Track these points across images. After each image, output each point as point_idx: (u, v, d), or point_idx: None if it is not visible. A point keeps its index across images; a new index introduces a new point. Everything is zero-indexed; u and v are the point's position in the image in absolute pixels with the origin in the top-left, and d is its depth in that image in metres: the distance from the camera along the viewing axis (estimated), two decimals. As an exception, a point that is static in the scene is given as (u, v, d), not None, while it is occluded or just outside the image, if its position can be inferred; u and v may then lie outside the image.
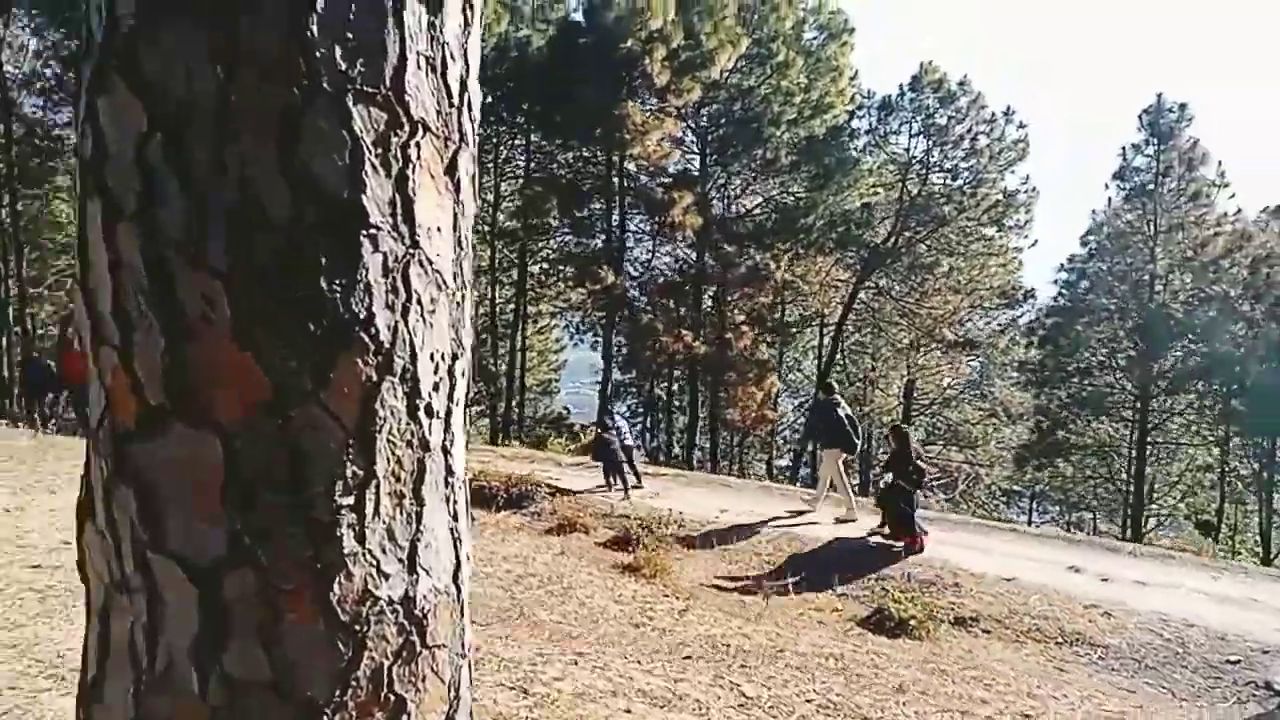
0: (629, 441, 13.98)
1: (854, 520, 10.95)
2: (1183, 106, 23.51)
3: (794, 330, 29.37)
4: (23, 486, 6.06)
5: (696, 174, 24.10)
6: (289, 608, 1.03)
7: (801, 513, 11.83)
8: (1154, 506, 34.11)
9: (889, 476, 10.32)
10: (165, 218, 0.95)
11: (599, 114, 22.86)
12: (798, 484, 26.26)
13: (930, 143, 27.23)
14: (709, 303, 26.28)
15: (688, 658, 3.84)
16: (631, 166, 24.58)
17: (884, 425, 35.91)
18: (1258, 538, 32.64)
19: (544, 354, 37.27)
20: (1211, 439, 29.03)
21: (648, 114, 22.33)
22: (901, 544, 9.63)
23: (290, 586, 1.02)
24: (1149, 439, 25.83)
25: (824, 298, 29.09)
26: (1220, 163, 23.19)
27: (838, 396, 11.89)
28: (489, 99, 26.67)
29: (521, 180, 26.77)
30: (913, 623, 6.73)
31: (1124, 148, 24.30)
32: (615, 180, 24.50)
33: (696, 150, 24.45)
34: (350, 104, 0.99)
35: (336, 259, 1.00)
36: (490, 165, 26.61)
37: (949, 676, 4.59)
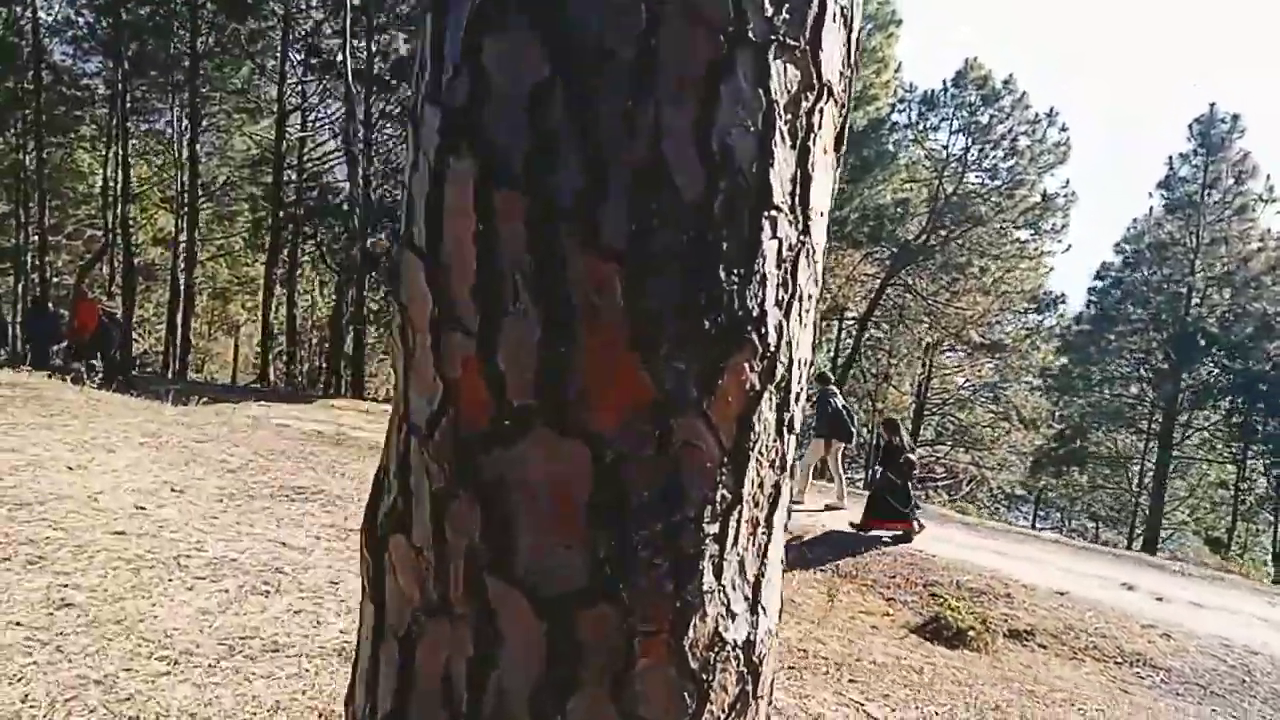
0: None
1: (844, 509, 10.77)
2: (1235, 118, 23.02)
3: (824, 323, 29.05)
4: (81, 443, 5.95)
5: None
6: (643, 652, 0.87)
7: (831, 507, 11.62)
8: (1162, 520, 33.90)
9: (878, 468, 10.41)
10: (558, 184, 0.78)
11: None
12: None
13: (970, 141, 26.79)
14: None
15: (791, 668, 3.70)
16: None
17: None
18: (1268, 556, 32.37)
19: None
20: (1226, 455, 28.74)
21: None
22: (890, 534, 9.69)
23: (649, 628, 0.87)
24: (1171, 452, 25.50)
25: (848, 291, 28.79)
26: (1269, 176, 22.75)
27: (833, 388, 11.73)
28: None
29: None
30: (971, 634, 6.55)
31: (1171, 157, 23.87)
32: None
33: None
34: (770, 59, 0.82)
35: (738, 244, 0.83)
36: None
37: (1038, 699, 4.44)
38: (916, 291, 27.59)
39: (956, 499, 37.24)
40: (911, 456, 10.36)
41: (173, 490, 5.24)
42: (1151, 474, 28.08)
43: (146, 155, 33.46)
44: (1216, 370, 22.94)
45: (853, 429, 11.15)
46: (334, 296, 36.06)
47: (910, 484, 9.92)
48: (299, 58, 29.26)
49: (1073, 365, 27.48)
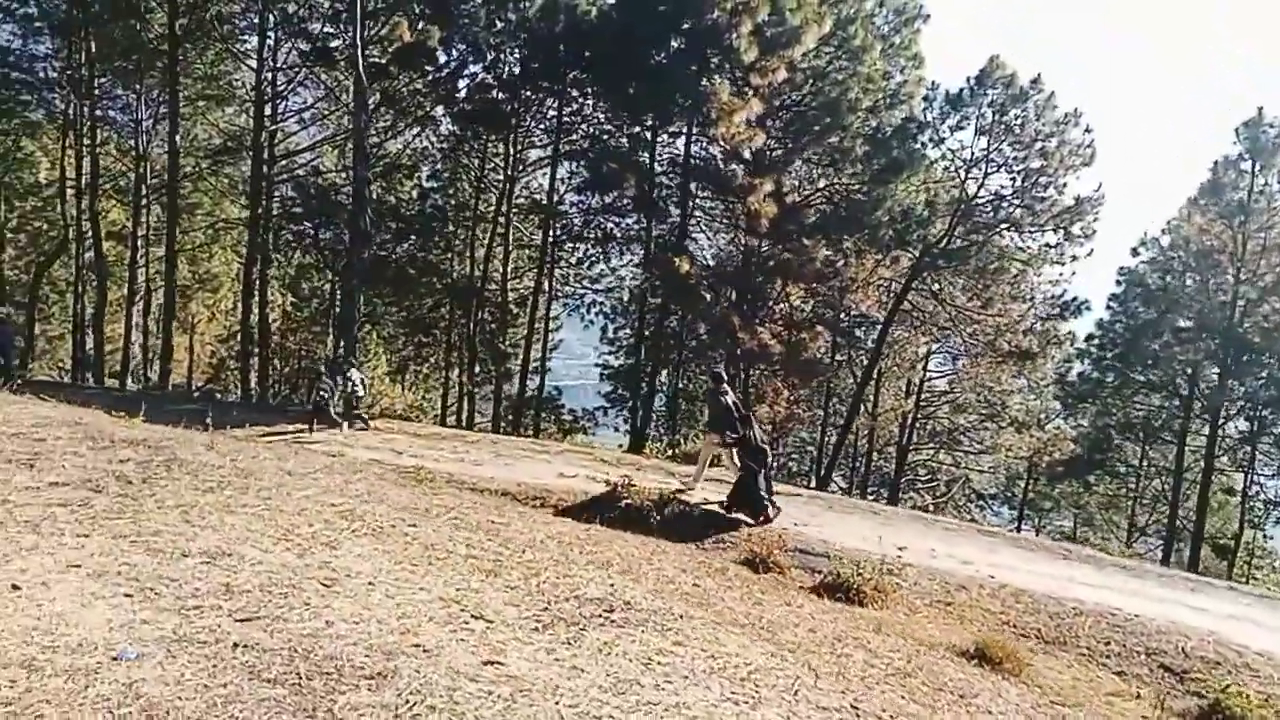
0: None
1: (691, 490, 12.02)
2: None
3: (858, 329, 28.17)
4: (285, 534, 4.47)
5: (777, 159, 22.58)
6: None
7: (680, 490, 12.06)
8: (1151, 525, 34.13)
9: (736, 458, 11.64)
10: None
11: (678, 89, 21.28)
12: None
13: (996, 141, 26.16)
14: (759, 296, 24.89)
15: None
16: (703, 148, 23.11)
17: (888, 424, 35.44)
18: (1276, 564, 32.72)
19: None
20: (1232, 464, 28.85)
21: (733, 93, 20.74)
22: (752, 519, 10.95)
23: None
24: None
25: (866, 295, 27.92)
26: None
27: (725, 386, 12.36)
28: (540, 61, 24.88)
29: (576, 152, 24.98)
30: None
31: (1215, 162, 23.55)
32: (683, 160, 22.93)
33: (779, 135, 22.92)
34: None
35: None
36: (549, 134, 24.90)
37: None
38: (942, 300, 26.88)
39: (943, 500, 37.15)
40: (765, 448, 11.82)
41: (479, 620, 3.84)
42: (1170, 481, 28.01)
43: (104, 145, 30.68)
44: (1265, 381, 22.64)
45: (738, 427, 11.79)
46: (324, 299, 34.00)
47: (766, 472, 11.41)
48: (282, 42, 27.23)
49: (1103, 372, 27.11)
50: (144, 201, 28.77)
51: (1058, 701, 6.30)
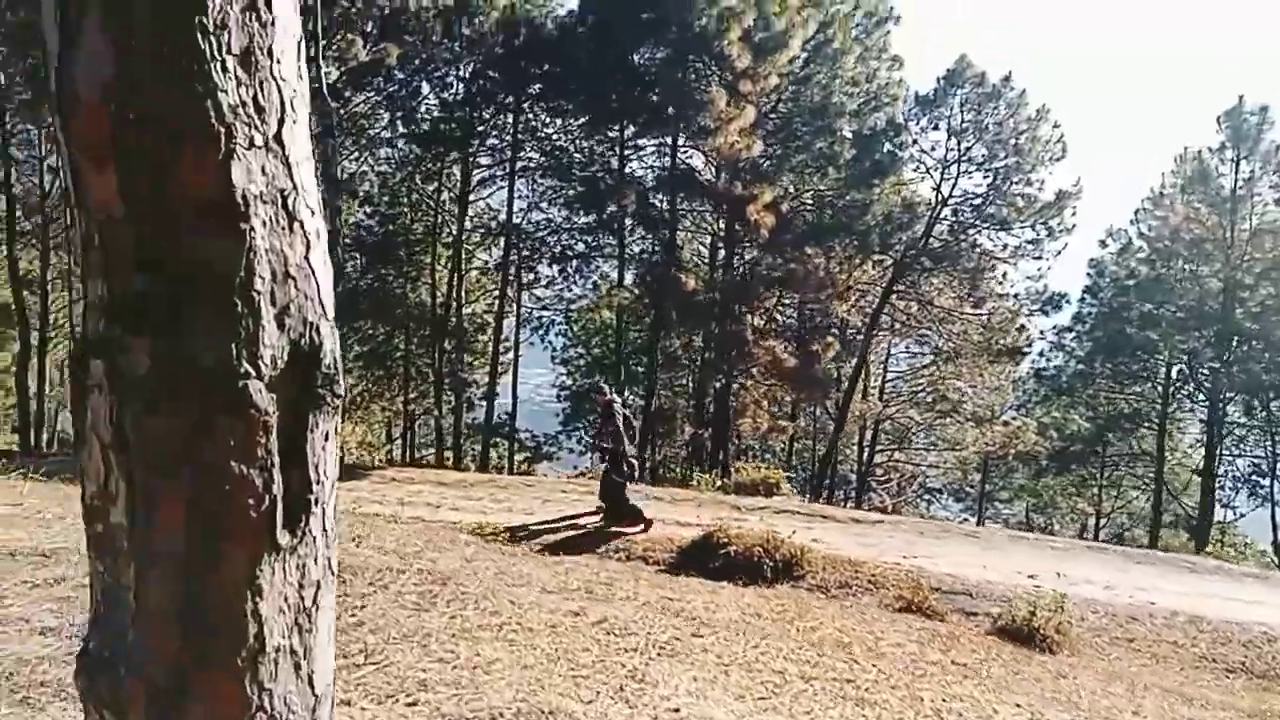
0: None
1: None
2: (1264, 109, 23.40)
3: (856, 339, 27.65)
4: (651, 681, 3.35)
5: (769, 168, 21.86)
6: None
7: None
8: (1110, 504, 34.97)
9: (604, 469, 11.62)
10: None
11: (666, 99, 20.39)
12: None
13: (970, 141, 26.15)
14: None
15: None
16: (687, 158, 22.26)
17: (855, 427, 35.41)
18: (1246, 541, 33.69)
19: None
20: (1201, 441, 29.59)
21: (728, 101, 19.96)
22: (637, 527, 10.90)
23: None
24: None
25: (851, 301, 27.53)
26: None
27: (615, 396, 12.18)
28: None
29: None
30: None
31: (1200, 151, 23.96)
32: (669, 172, 22.02)
33: (770, 142, 22.21)
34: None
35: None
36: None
37: None
38: (927, 301, 26.70)
39: (900, 500, 37.22)
40: (633, 460, 11.84)
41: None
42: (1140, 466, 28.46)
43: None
44: (1264, 366, 23.03)
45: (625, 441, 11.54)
46: None
47: (629, 481, 11.36)
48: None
49: (1088, 363, 27.34)
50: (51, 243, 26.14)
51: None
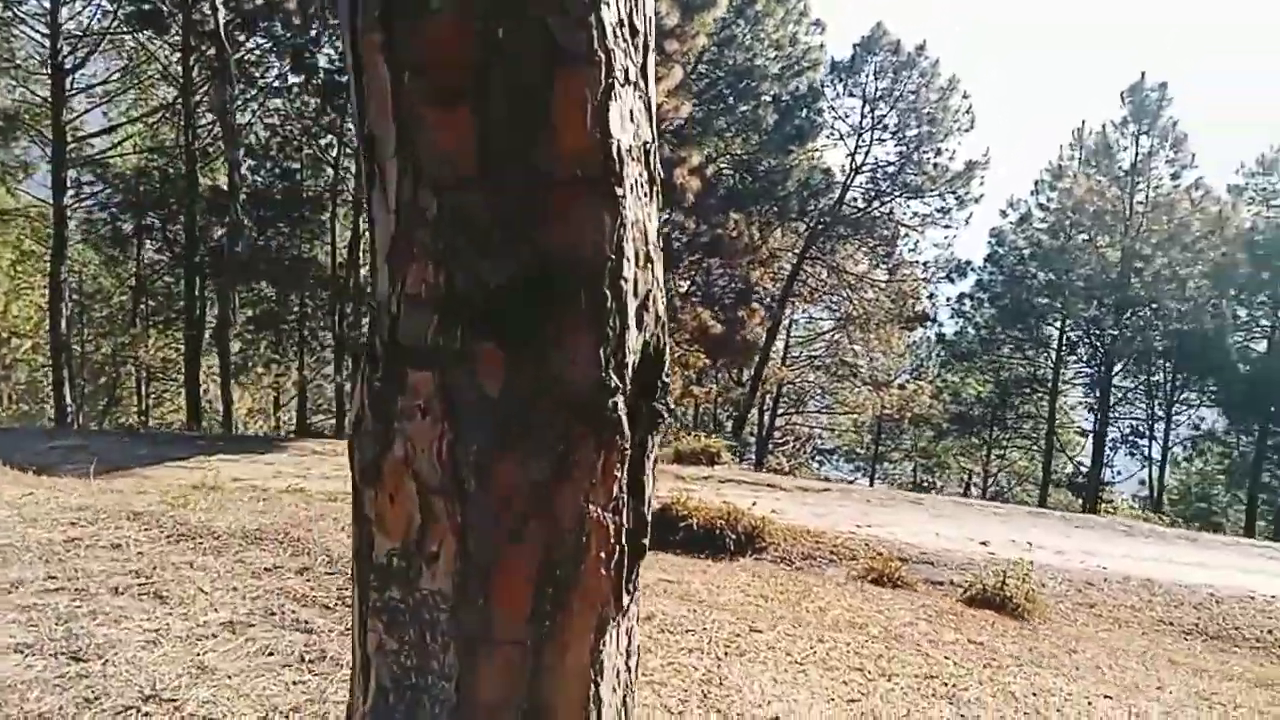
0: None
1: None
2: (1163, 86, 24.48)
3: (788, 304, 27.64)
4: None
5: (695, 130, 21.40)
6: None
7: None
8: (1001, 461, 36.93)
9: None
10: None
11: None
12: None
13: (884, 108, 26.44)
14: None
15: None
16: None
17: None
18: (1125, 497, 36.04)
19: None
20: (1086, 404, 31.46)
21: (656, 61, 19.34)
22: None
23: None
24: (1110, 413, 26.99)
25: (768, 268, 27.61)
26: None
27: None
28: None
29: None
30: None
31: (1104, 125, 24.97)
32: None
33: (696, 104, 21.69)
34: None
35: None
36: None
37: None
38: (843, 271, 27.01)
39: (796, 463, 38.20)
40: None
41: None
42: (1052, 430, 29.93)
43: None
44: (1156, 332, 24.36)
45: None
46: (167, 300, 29.33)
47: None
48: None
49: (990, 329, 28.39)
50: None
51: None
